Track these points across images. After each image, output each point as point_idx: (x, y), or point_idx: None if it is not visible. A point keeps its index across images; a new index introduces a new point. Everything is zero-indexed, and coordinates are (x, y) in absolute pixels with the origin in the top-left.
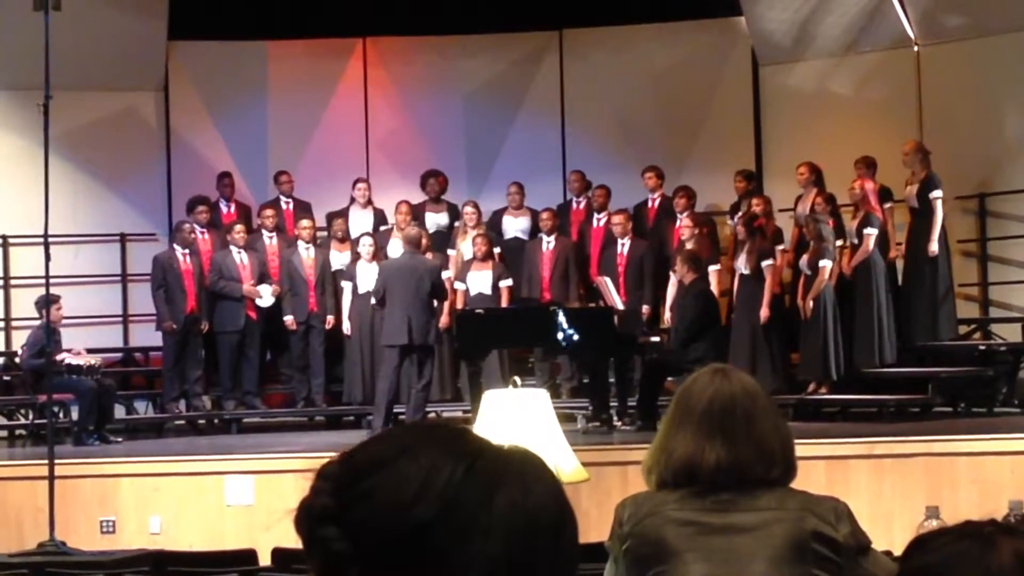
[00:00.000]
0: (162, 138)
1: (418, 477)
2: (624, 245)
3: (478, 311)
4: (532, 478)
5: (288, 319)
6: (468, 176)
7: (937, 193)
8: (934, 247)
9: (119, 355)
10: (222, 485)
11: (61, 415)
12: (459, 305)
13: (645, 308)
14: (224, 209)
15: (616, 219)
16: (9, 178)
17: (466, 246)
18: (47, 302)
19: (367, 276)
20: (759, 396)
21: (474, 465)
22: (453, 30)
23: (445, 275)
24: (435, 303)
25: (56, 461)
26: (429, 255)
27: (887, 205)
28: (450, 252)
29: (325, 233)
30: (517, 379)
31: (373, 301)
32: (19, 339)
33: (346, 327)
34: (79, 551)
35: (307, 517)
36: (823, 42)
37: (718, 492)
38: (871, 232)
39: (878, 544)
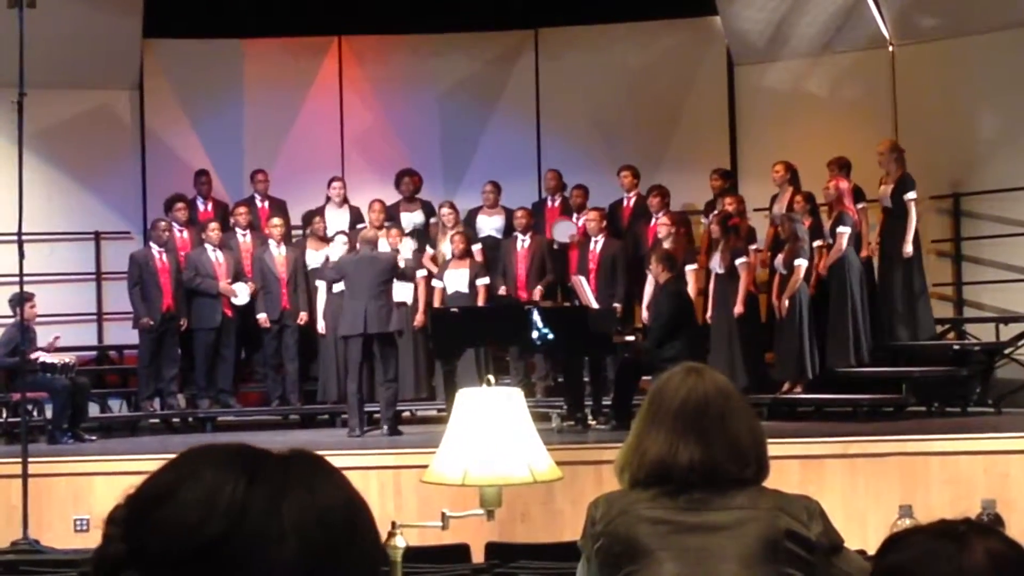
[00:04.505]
0: (137, 136)
1: (202, 499)
2: (597, 243)
3: (453, 310)
4: (317, 479)
5: (261, 317)
6: (443, 175)
7: (911, 195)
8: (909, 248)
9: (93, 353)
10: None
11: (35, 413)
12: (436, 303)
13: (617, 306)
14: (201, 207)
15: (590, 216)
16: None
17: (447, 246)
18: (21, 300)
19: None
20: (732, 395)
21: (256, 476)
22: (428, 29)
23: (421, 274)
24: (393, 292)
25: (30, 459)
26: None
27: (860, 205)
28: (429, 250)
29: (300, 232)
30: (491, 377)
31: (322, 283)
32: None
33: (320, 326)
34: (53, 549)
35: (100, 566)
36: (798, 42)
37: (691, 491)
38: (844, 231)
39: (852, 543)
